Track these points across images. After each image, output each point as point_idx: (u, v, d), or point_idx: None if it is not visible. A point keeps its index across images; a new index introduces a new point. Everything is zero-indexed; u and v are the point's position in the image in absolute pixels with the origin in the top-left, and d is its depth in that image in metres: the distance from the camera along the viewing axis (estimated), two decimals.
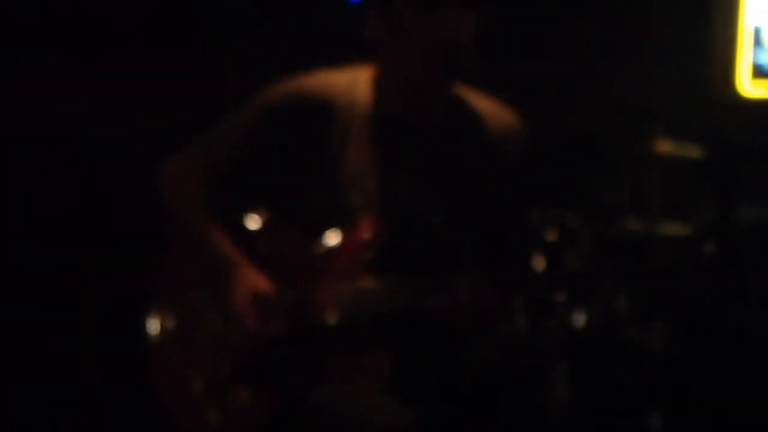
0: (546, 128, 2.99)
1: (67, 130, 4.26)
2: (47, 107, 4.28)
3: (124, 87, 4.30)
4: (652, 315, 3.92)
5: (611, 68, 4.73)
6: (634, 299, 3.71)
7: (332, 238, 2.77)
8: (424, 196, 2.77)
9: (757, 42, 5.01)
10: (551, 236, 3.72)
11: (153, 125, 4.26)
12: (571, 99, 4.54)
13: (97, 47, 4.29)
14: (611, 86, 4.71)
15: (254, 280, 2.75)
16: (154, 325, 2.86)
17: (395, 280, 2.67)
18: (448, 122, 2.80)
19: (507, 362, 2.81)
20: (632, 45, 4.75)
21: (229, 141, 2.83)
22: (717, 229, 4.40)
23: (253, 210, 2.88)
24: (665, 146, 4.07)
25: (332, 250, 2.76)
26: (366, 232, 2.72)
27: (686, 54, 4.84)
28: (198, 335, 2.81)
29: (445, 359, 2.76)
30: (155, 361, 2.87)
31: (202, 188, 2.83)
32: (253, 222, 2.87)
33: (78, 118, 4.29)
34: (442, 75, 2.71)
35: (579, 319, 3.77)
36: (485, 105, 2.84)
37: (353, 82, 2.82)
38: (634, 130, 4.22)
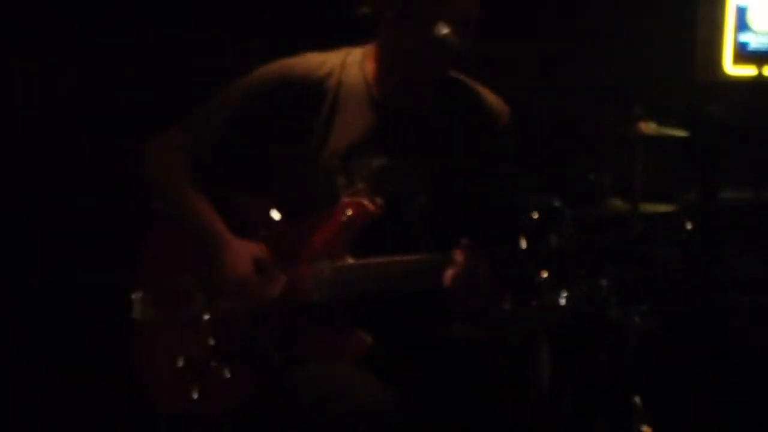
0: (530, 110, 3.00)
1: (50, 110, 4.25)
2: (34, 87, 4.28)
3: (109, 66, 4.30)
4: (634, 295, 3.95)
5: (594, 50, 4.74)
6: (616, 279, 3.73)
7: (315, 217, 2.80)
8: (408, 177, 2.78)
9: (742, 22, 5.03)
10: (535, 216, 3.76)
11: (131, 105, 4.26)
12: (555, 81, 4.54)
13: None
14: (594, 68, 4.72)
15: (249, 247, 2.77)
16: (137, 303, 2.88)
17: (379, 260, 2.69)
18: (436, 105, 2.81)
19: (490, 340, 2.84)
20: (616, 26, 4.76)
21: (215, 122, 2.84)
22: (700, 209, 4.43)
23: (237, 190, 2.90)
24: (648, 127, 4.08)
25: (315, 230, 2.79)
26: (349, 211, 2.74)
27: (671, 35, 4.85)
28: (180, 313, 2.83)
29: (427, 337, 2.78)
30: (137, 337, 2.89)
31: (189, 167, 2.85)
32: (239, 202, 2.89)
33: (60, 98, 4.28)
34: (444, 54, 2.70)
35: (562, 298, 3.80)
36: (473, 88, 2.86)
37: (342, 64, 2.83)
38: (617, 112, 4.24)
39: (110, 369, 3.20)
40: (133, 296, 2.88)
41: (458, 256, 2.58)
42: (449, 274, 2.59)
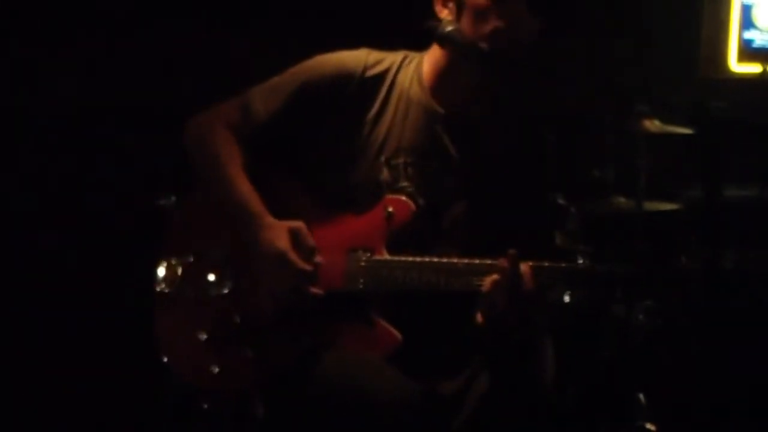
0: (533, 107, 3.01)
1: (63, 108, 4.27)
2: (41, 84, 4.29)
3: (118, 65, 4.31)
4: (638, 292, 3.95)
5: (598, 46, 4.74)
6: (621, 277, 3.73)
7: (356, 209, 2.82)
8: (450, 183, 2.81)
9: (747, 20, 5.03)
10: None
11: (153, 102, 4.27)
12: (558, 77, 4.54)
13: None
14: (599, 64, 4.73)
15: (284, 222, 2.78)
16: (162, 273, 2.88)
17: (415, 259, 2.71)
18: (485, 117, 2.84)
19: (502, 337, 2.84)
20: (620, 23, 4.76)
21: (271, 105, 2.86)
22: (704, 206, 4.43)
23: (282, 173, 2.90)
24: (652, 124, 4.08)
25: (355, 221, 2.81)
26: (390, 208, 2.76)
27: (675, 32, 4.85)
28: (207, 287, 2.84)
29: (451, 336, 2.80)
30: (162, 307, 2.90)
31: (238, 144, 2.86)
32: (282, 185, 2.90)
33: (72, 96, 4.29)
34: (489, 59, 2.75)
35: (566, 295, 3.80)
36: (517, 104, 2.90)
37: (399, 65, 2.88)
38: (621, 108, 4.23)
39: (132, 340, 3.20)
40: (159, 267, 2.89)
41: (504, 263, 2.59)
42: (490, 280, 2.59)
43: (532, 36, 2.77)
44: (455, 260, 2.68)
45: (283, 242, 2.74)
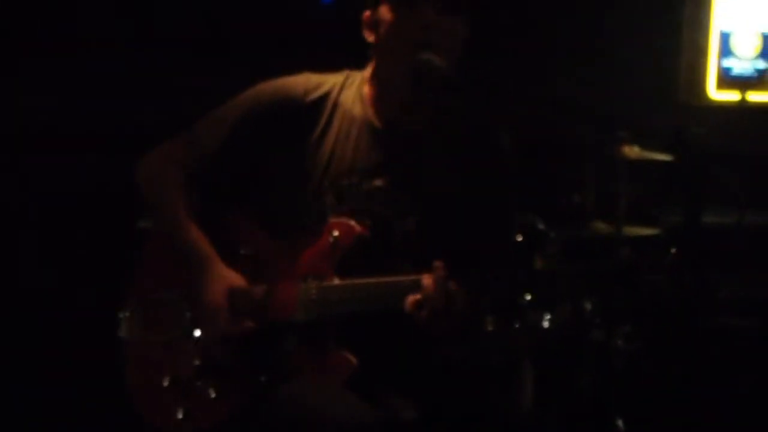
0: (513, 131, 3.01)
1: (46, 127, 4.27)
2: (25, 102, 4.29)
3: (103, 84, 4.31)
4: (617, 317, 3.95)
5: (579, 72, 4.76)
6: (600, 301, 3.74)
7: (302, 236, 2.80)
8: (398, 200, 2.79)
9: (726, 48, 5.06)
10: (518, 239, 3.76)
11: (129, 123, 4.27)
12: (539, 103, 4.56)
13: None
14: (580, 90, 4.74)
15: (229, 276, 2.77)
16: (125, 321, 2.88)
17: (363, 281, 2.69)
18: (430, 129, 2.82)
19: (473, 361, 2.83)
20: (601, 50, 4.79)
21: (214, 138, 2.85)
22: (683, 232, 4.44)
23: (226, 206, 2.90)
24: (632, 150, 4.10)
25: (301, 249, 2.79)
26: (336, 232, 2.75)
27: (655, 59, 4.88)
28: (167, 331, 2.83)
29: (410, 358, 2.78)
30: (126, 356, 2.89)
31: (182, 183, 2.86)
32: (227, 218, 2.90)
33: (56, 114, 4.30)
34: (420, 78, 2.73)
35: (545, 320, 3.80)
36: (470, 114, 2.87)
37: (340, 85, 2.86)
38: (601, 134, 4.25)
39: (104, 387, 3.19)
40: (121, 314, 2.88)
41: (426, 280, 2.58)
42: (411, 299, 2.58)
43: (454, 40, 2.73)
44: (391, 279, 2.66)
45: (219, 299, 2.74)
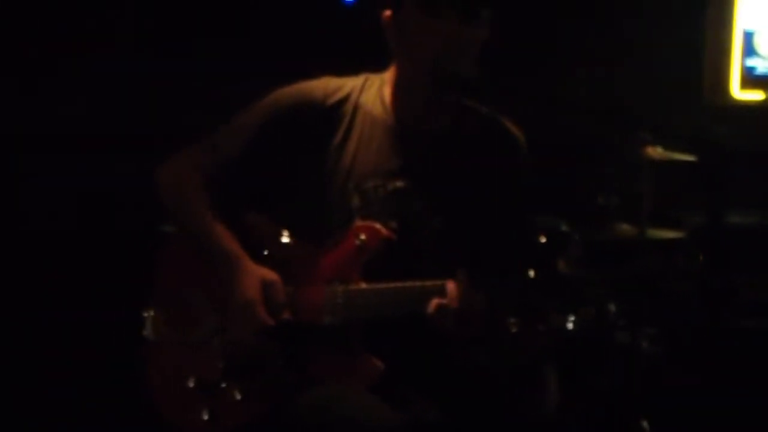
0: (536, 133, 3.00)
1: (66, 130, 4.28)
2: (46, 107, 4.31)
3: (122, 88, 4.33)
4: (642, 319, 3.94)
5: (602, 73, 4.75)
6: (624, 304, 3.73)
7: (329, 240, 2.80)
8: (423, 201, 2.79)
9: (749, 47, 5.04)
10: (542, 241, 3.76)
11: (149, 126, 4.29)
12: (561, 104, 4.55)
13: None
14: (602, 91, 4.74)
15: (260, 270, 2.77)
16: (149, 322, 2.89)
17: (389, 285, 2.70)
18: (452, 131, 2.82)
19: (497, 365, 2.83)
20: (624, 50, 4.78)
21: (235, 143, 2.85)
22: (707, 234, 4.43)
23: (252, 210, 2.90)
24: (656, 151, 4.08)
25: (328, 252, 2.79)
26: (362, 236, 2.75)
27: (678, 59, 4.86)
28: (192, 333, 2.84)
29: (435, 361, 2.78)
30: (149, 357, 2.90)
31: (206, 186, 2.86)
32: (253, 222, 2.90)
33: (77, 118, 4.31)
34: (440, 83, 2.74)
35: (569, 322, 3.79)
36: (490, 116, 2.87)
37: (360, 88, 2.86)
38: (625, 136, 4.24)
39: (124, 387, 3.20)
40: (145, 314, 2.89)
41: (449, 285, 2.59)
42: (434, 303, 2.59)
43: (475, 47, 2.74)
44: (415, 284, 2.66)
45: (253, 292, 2.74)
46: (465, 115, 2.85)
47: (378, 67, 2.91)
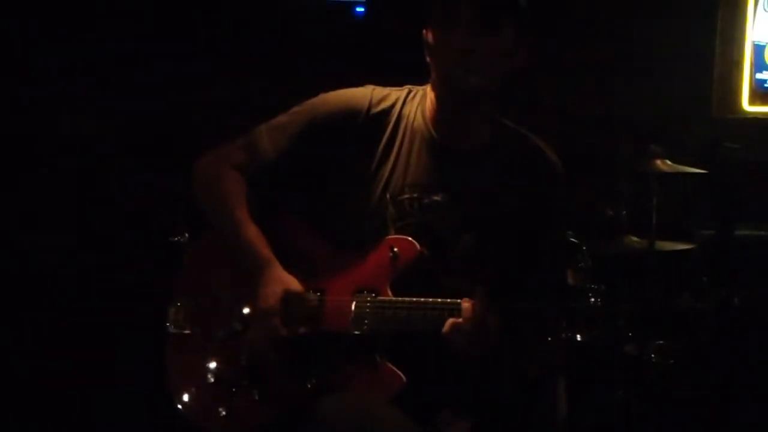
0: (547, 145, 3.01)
1: (78, 143, 4.31)
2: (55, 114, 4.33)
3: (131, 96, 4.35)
4: (651, 331, 3.95)
5: (612, 86, 4.76)
6: (633, 315, 3.74)
7: (362, 249, 2.80)
8: (458, 217, 2.80)
9: (760, 60, 5.05)
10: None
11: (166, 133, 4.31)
12: (572, 116, 4.56)
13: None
14: (613, 104, 4.74)
15: (286, 280, 2.77)
16: (173, 315, 2.90)
17: (411, 299, 2.71)
18: (491, 150, 2.82)
19: (511, 377, 2.83)
20: (634, 63, 4.78)
21: (276, 145, 2.85)
22: (716, 246, 4.43)
23: (287, 212, 2.91)
24: (665, 164, 4.09)
25: (360, 262, 2.80)
26: (396, 248, 2.76)
27: (688, 72, 4.87)
28: (216, 329, 2.85)
29: (456, 376, 2.78)
30: (170, 350, 2.90)
31: (244, 185, 2.87)
32: (288, 225, 2.92)
33: (87, 132, 4.33)
34: (453, 97, 2.75)
35: (578, 334, 3.80)
36: (527, 136, 2.87)
37: (403, 100, 2.87)
38: (635, 148, 4.25)
39: (142, 378, 3.21)
40: (170, 307, 2.90)
41: (465, 304, 2.60)
42: (449, 322, 2.60)
43: (492, 60, 2.76)
44: (433, 300, 2.67)
45: (273, 302, 2.74)
46: (505, 136, 2.85)
47: (387, 78, 2.93)
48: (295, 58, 4.47)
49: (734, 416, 4.15)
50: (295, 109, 2.88)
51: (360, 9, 4.64)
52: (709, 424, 4.14)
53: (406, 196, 2.79)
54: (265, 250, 2.79)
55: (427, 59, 2.77)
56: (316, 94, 2.89)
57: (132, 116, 4.34)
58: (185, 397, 2.84)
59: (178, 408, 2.84)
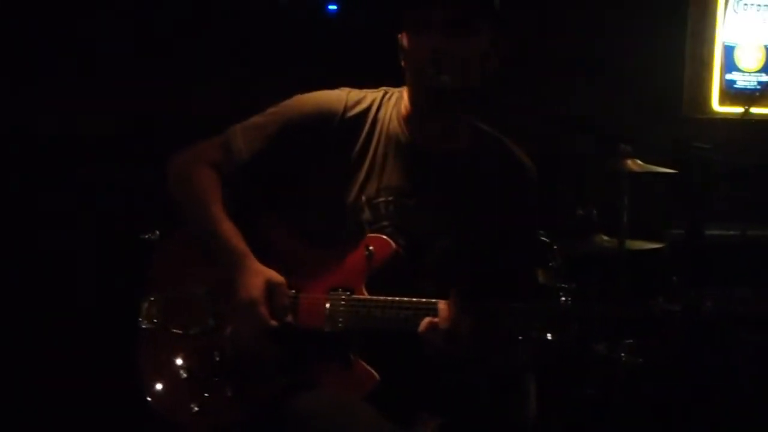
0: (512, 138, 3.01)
1: (48, 140, 4.29)
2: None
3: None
4: (621, 330, 3.96)
5: (582, 86, 4.77)
6: (602, 315, 3.74)
7: (337, 248, 2.80)
8: (433, 219, 2.80)
9: (730, 61, 5.08)
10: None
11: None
12: (542, 116, 4.57)
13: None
14: (583, 103, 4.76)
15: (265, 270, 2.76)
16: (145, 310, 2.88)
17: (387, 298, 2.71)
18: (466, 155, 2.82)
19: (483, 376, 2.84)
20: (604, 63, 4.80)
21: (252, 144, 2.84)
22: (686, 246, 4.45)
23: (262, 211, 2.90)
24: (635, 163, 4.11)
25: (335, 260, 2.80)
26: (371, 247, 2.76)
27: (658, 72, 4.89)
28: (188, 325, 2.84)
29: (430, 375, 2.78)
30: (142, 345, 2.88)
31: (219, 183, 2.86)
32: (264, 223, 2.91)
33: (56, 129, 4.32)
34: (425, 97, 2.74)
35: (550, 333, 3.80)
36: (502, 140, 2.88)
37: (379, 102, 2.87)
38: (605, 148, 4.26)
39: (115, 374, 3.19)
40: (142, 302, 2.89)
41: (441, 305, 2.61)
42: (425, 321, 2.61)
43: (466, 60, 2.76)
44: (410, 300, 2.67)
45: (257, 292, 2.74)
46: (481, 140, 2.85)
47: (360, 76, 2.92)
48: (268, 56, 4.46)
49: (703, 415, 4.17)
50: (271, 110, 2.88)
51: (332, 7, 4.64)
52: (678, 422, 4.15)
53: (381, 199, 2.79)
54: (241, 245, 2.78)
55: (402, 63, 2.77)
56: (289, 92, 2.88)
57: (103, 113, 4.32)
58: (156, 393, 2.82)
59: (150, 403, 2.83)
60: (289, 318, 2.73)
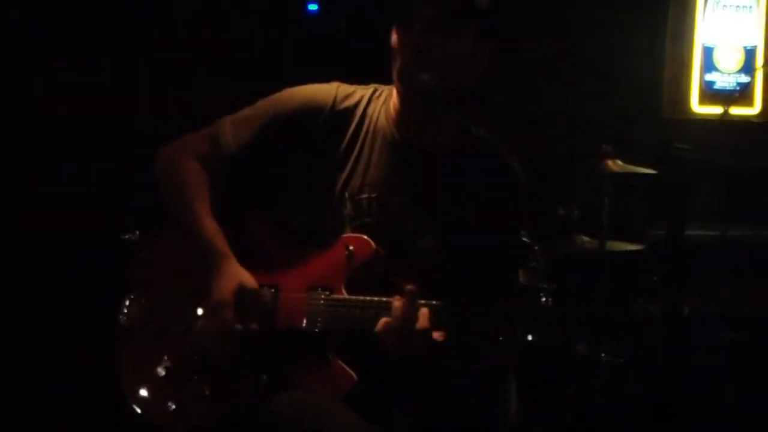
0: (500, 139, 3.02)
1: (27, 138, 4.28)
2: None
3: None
4: (601, 331, 3.96)
5: (563, 87, 4.78)
6: (583, 316, 3.75)
7: (318, 246, 2.79)
8: (416, 218, 2.80)
9: (709, 62, 5.10)
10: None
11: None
12: (524, 117, 4.58)
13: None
14: (563, 104, 4.76)
15: (241, 275, 2.75)
16: (126, 307, 2.87)
17: (369, 297, 2.70)
18: (454, 154, 2.82)
19: (462, 377, 2.84)
20: (585, 63, 4.81)
21: (240, 138, 2.83)
22: (667, 246, 4.46)
23: (246, 205, 2.90)
24: (616, 164, 4.12)
25: (315, 258, 2.78)
26: (351, 246, 2.75)
27: (639, 73, 4.90)
28: (169, 322, 2.82)
29: (404, 376, 2.78)
30: (121, 342, 2.87)
31: (203, 178, 2.85)
32: (247, 218, 2.89)
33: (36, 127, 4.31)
34: (407, 95, 2.74)
35: (531, 334, 3.81)
36: (494, 146, 2.87)
37: (369, 98, 2.86)
38: (585, 148, 4.27)
39: (94, 371, 3.19)
40: (123, 300, 2.87)
41: (396, 303, 2.59)
42: (382, 320, 2.59)
43: (451, 60, 2.74)
44: (368, 298, 2.67)
45: (228, 295, 2.73)
46: (469, 141, 2.85)
47: (341, 75, 2.92)
48: (249, 55, 4.46)
49: (684, 415, 4.18)
50: (260, 102, 2.87)
51: (313, 7, 4.64)
52: (659, 423, 4.16)
53: (365, 195, 2.78)
54: (221, 245, 2.77)
55: (392, 61, 2.77)
56: (272, 90, 2.87)
57: (84, 113, 4.31)
58: (135, 391, 2.81)
59: (128, 400, 2.82)
60: (255, 326, 2.72)
